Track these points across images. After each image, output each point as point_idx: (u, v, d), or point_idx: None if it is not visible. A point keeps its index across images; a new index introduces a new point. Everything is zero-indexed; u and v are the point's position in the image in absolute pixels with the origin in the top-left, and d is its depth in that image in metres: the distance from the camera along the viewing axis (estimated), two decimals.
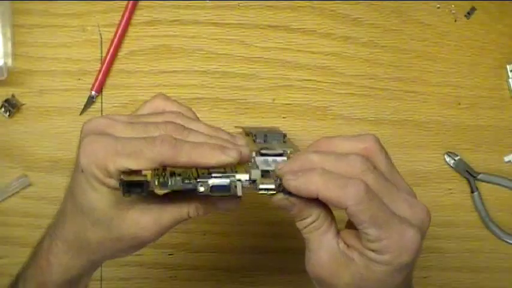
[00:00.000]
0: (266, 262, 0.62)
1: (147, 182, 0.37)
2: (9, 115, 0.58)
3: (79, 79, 0.60)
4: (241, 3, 0.62)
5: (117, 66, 0.60)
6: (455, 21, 0.65)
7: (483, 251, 0.65)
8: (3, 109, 0.58)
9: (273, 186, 0.40)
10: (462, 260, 0.65)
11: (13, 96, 0.59)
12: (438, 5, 0.65)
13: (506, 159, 0.65)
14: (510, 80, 0.64)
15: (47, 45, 0.59)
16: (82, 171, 0.38)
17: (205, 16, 0.61)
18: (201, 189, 0.38)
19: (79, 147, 0.39)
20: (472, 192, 0.64)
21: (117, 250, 0.42)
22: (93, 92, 0.59)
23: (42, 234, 0.45)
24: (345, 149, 0.39)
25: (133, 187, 0.37)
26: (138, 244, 0.41)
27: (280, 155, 0.48)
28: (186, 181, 0.38)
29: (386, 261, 0.37)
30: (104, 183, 0.38)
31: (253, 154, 0.46)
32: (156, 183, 0.38)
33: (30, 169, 0.59)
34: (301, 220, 0.40)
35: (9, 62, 0.58)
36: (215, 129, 0.43)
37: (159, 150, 0.37)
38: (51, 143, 0.59)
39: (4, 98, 0.58)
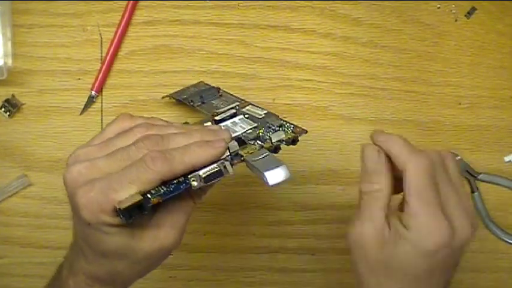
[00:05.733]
0: (266, 262, 0.62)
1: (145, 199, 0.37)
2: (9, 115, 0.58)
3: (79, 79, 0.60)
4: (241, 3, 0.62)
5: (117, 66, 0.60)
6: (455, 21, 0.65)
7: (483, 251, 0.65)
8: (3, 109, 0.58)
9: (282, 135, 0.44)
10: (462, 260, 0.65)
11: (13, 96, 0.59)
12: (438, 5, 0.65)
13: (506, 159, 0.65)
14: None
15: (47, 45, 0.59)
16: (89, 224, 0.38)
17: (205, 16, 0.61)
18: (195, 183, 0.39)
19: (74, 202, 0.38)
20: (472, 192, 0.64)
21: (150, 267, 0.43)
22: (93, 92, 0.59)
23: (58, 266, 0.45)
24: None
25: (133, 211, 0.37)
26: (167, 253, 0.42)
27: (234, 114, 0.49)
28: (181, 184, 0.39)
29: (412, 240, 0.38)
30: (113, 225, 0.38)
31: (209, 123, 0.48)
32: (152, 197, 0.38)
33: (30, 169, 0.59)
34: (369, 183, 0.42)
35: (9, 62, 0.58)
36: (186, 125, 0.44)
37: (153, 170, 0.37)
38: (51, 143, 0.59)
39: (4, 98, 0.58)
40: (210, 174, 0.39)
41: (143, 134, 0.40)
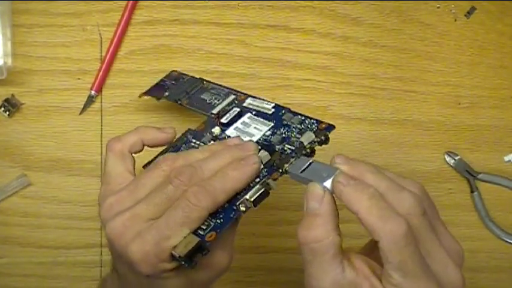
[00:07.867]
0: (266, 262, 0.62)
1: (202, 239, 0.36)
2: (9, 115, 0.58)
3: (78, 79, 0.60)
4: (241, 3, 0.62)
5: (116, 65, 0.60)
6: (455, 21, 0.65)
7: (483, 251, 0.65)
8: (3, 109, 0.58)
9: (313, 137, 0.41)
10: None
11: (13, 95, 0.59)
12: (438, 5, 0.65)
13: (506, 159, 0.65)
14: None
15: (47, 45, 0.59)
16: (148, 276, 0.37)
17: (205, 16, 0.61)
18: (244, 208, 0.38)
19: (126, 258, 0.37)
20: (472, 192, 0.64)
21: None
22: (92, 92, 0.59)
23: None
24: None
25: (194, 255, 0.36)
26: (223, 274, 0.41)
27: (240, 113, 0.45)
28: (230, 213, 0.38)
29: None
30: (172, 269, 0.38)
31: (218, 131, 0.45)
32: (206, 234, 0.37)
33: (30, 169, 0.59)
34: (308, 231, 0.35)
35: (9, 61, 0.58)
36: (209, 146, 0.43)
37: (199, 206, 0.37)
38: (51, 143, 0.59)
39: (4, 98, 0.58)
40: (257, 197, 0.38)
41: (170, 166, 0.39)
